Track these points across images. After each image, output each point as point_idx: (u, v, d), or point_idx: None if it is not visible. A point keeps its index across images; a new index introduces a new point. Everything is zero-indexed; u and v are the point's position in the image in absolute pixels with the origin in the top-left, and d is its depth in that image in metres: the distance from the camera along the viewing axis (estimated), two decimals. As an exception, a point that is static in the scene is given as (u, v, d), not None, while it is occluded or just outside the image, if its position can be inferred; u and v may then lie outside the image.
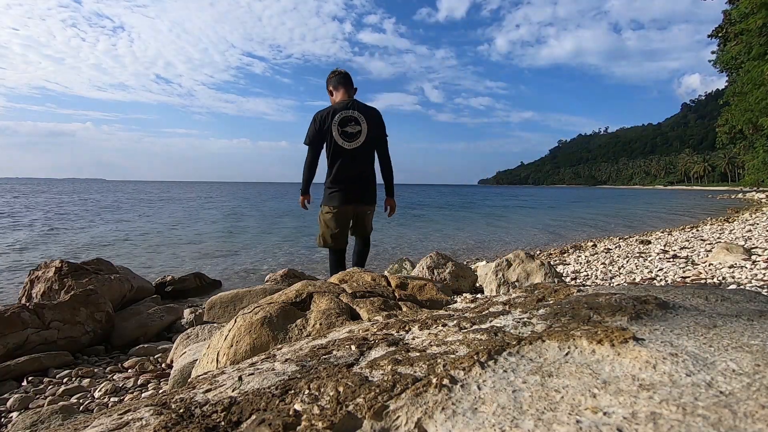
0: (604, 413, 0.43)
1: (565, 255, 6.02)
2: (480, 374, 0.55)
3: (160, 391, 1.88)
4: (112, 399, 1.87)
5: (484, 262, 5.26)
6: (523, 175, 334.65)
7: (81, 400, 1.86)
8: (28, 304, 2.47)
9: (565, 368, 0.54)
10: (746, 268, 3.59)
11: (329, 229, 2.72)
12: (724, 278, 3.31)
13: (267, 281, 4.16)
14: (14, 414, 1.74)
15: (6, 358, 2.19)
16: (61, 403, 1.76)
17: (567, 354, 0.58)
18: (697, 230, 8.30)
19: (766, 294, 0.88)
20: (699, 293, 0.83)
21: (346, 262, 2.93)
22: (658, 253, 5.11)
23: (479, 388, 0.52)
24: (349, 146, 2.57)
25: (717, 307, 0.74)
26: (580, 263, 4.95)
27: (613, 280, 3.80)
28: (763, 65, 15.03)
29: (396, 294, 1.93)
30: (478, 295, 3.52)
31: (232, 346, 1.42)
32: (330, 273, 2.78)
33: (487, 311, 0.89)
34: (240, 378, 0.72)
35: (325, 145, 2.62)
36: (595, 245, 7.01)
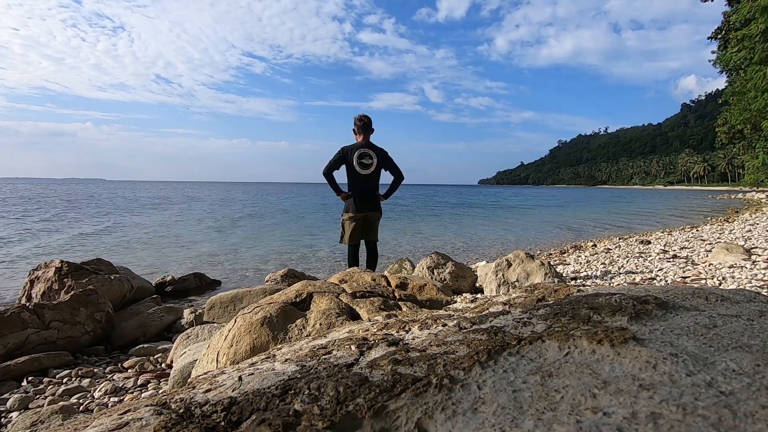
0: (604, 413, 0.43)
1: (565, 255, 6.02)
2: (480, 374, 0.55)
3: (160, 391, 1.88)
4: (112, 399, 1.86)
5: (484, 262, 5.26)
6: (523, 175, 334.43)
7: (81, 400, 1.85)
8: (28, 304, 2.47)
9: (565, 368, 0.54)
10: (746, 268, 3.59)
11: (348, 230, 3.63)
12: (724, 278, 3.31)
13: (267, 281, 4.16)
14: (14, 414, 1.74)
15: (6, 358, 2.19)
16: (61, 403, 1.76)
17: (567, 354, 0.58)
18: (697, 230, 8.30)
19: (766, 294, 0.88)
20: (699, 293, 0.83)
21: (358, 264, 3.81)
22: (658, 253, 5.11)
23: (479, 388, 0.52)
24: (364, 173, 3.58)
25: (717, 307, 0.74)
26: (580, 263, 4.95)
27: (613, 280, 3.80)
28: (766, 69, 15.07)
29: (396, 294, 1.93)
30: (478, 295, 3.52)
31: (232, 346, 1.42)
32: (347, 262, 3.73)
33: (487, 311, 0.89)
34: (240, 378, 0.72)
35: (347, 170, 3.59)
36: (595, 245, 7.01)
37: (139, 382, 2.05)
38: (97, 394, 1.92)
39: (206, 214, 16.52)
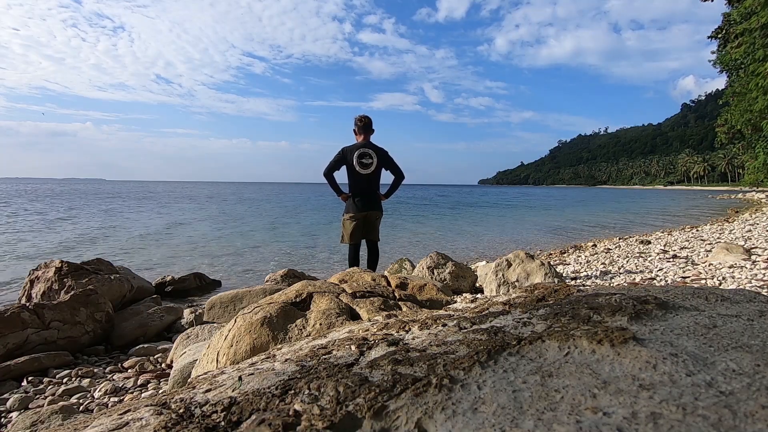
0: (604, 413, 0.43)
1: (565, 255, 6.02)
2: (480, 374, 0.55)
3: (160, 391, 1.88)
4: (112, 399, 1.86)
5: (484, 262, 5.26)
6: (523, 175, 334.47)
7: (81, 400, 1.86)
8: (28, 304, 2.47)
9: (565, 368, 0.54)
10: (746, 268, 3.59)
11: (349, 229, 3.65)
12: (724, 278, 3.31)
13: (267, 281, 4.16)
14: (14, 414, 1.74)
15: (6, 358, 2.19)
16: (61, 403, 1.76)
17: (567, 354, 0.58)
18: (697, 230, 8.29)
19: (766, 294, 0.88)
20: (699, 293, 0.83)
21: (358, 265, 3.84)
22: (658, 253, 5.11)
23: (479, 388, 0.52)
24: (364, 172, 3.60)
25: (717, 307, 0.74)
26: (580, 263, 4.95)
27: (613, 280, 3.80)
28: (767, 66, 15.05)
29: (396, 294, 1.93)
30: (478, 295, 3.51)
31: (232, 346, 1.42)
32: (348, 262, 3.74)
33: (487, 311, 0.89)
34: (240, 378, 0.72)
35: (347, 170, 3.62)
36: (595, 245, 7.01)
37: (139, 382, 2.05)
38: (97, 394, 1.92)
39: (205, 213, 16.57)
